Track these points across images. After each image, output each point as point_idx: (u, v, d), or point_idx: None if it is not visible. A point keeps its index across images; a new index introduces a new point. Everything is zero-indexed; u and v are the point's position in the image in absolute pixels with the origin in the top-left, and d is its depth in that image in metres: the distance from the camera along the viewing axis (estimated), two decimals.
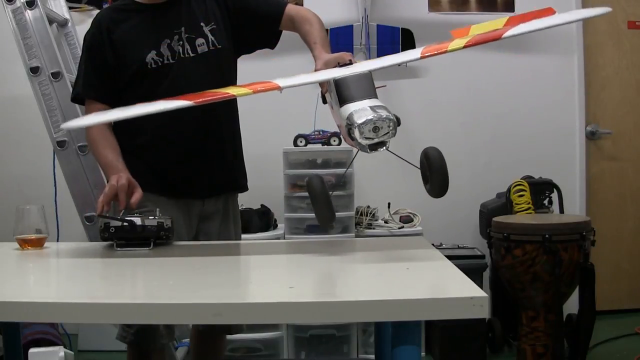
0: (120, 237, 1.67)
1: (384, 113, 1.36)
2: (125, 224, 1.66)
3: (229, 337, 2.46)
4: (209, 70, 1.99)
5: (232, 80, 2.11)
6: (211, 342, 2.26)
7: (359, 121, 1.35)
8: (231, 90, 1.47)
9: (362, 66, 1.49)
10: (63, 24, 2.96)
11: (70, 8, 3.13)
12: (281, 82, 1.45)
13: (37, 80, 2.48)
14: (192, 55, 1.97)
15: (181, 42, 1.96)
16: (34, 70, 2.48)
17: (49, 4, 2.80)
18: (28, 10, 2.51)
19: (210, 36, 2.00)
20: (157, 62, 1.94)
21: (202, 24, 1.99)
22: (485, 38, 1.41)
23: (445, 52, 1.40)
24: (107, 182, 1.88)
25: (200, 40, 1.98)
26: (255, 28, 2.06)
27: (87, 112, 2.01)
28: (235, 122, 2.14)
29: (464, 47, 1.40)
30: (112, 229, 1.66)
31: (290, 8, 2.04)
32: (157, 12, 1.99)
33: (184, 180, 2.00)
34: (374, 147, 1.39)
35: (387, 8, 3.70)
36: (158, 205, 1.82)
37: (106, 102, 1.97)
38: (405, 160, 1.55)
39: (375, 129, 1.35)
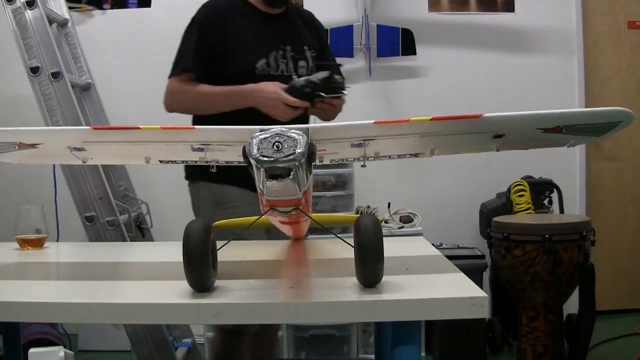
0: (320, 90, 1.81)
1: (290, 131, 1.07)
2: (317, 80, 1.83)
3: None
4: None
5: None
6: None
7: (260, 136, 1.06)
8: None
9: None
10: (63, 24, 2.96)
11: (70, 8, 3.13)
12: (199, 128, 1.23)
13: (37, 80, 2.48)
14: (292, 74, 2.07)
15: (285, 60, 2.07)
16: (34, 70, 2.48)
17: (49, 4, 2.80)
18: (28, 10, 2.51)
19: (310, 62, 2.13)
20: (265, 70, 2.03)
21: (305, 47, 2.13)
22: (460, 115, 1.28)
23: (407, 121, 1.24)
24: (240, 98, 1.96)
25: (302, 63, 2.10)
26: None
27: (175, 83, 2.04)
28: None
29: (431, 119, 1.28)
30: (312, 84, 1.81)
31: None
32: (267, 20, 2.10)
33: None
34: (273, 174, 1.05)
35: (387, 8, 3.70)
36: (244, 199, 1.91)
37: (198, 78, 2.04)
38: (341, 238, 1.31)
39: (277, 146, 1.05)
